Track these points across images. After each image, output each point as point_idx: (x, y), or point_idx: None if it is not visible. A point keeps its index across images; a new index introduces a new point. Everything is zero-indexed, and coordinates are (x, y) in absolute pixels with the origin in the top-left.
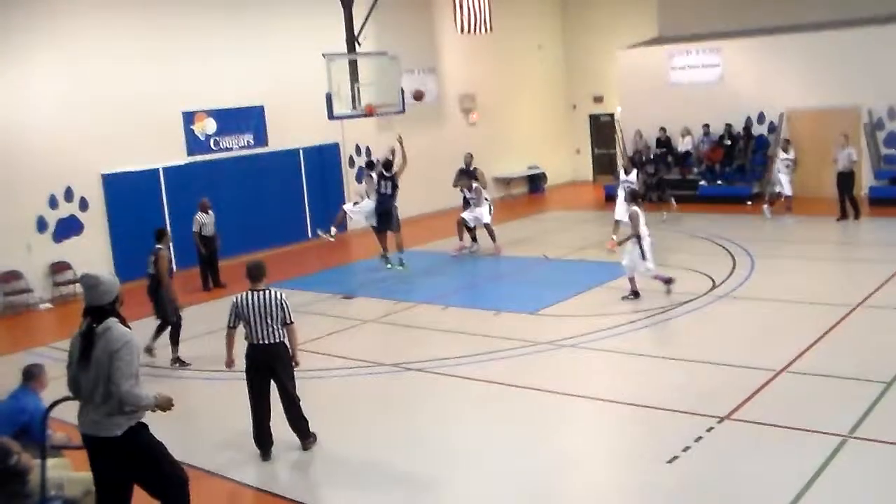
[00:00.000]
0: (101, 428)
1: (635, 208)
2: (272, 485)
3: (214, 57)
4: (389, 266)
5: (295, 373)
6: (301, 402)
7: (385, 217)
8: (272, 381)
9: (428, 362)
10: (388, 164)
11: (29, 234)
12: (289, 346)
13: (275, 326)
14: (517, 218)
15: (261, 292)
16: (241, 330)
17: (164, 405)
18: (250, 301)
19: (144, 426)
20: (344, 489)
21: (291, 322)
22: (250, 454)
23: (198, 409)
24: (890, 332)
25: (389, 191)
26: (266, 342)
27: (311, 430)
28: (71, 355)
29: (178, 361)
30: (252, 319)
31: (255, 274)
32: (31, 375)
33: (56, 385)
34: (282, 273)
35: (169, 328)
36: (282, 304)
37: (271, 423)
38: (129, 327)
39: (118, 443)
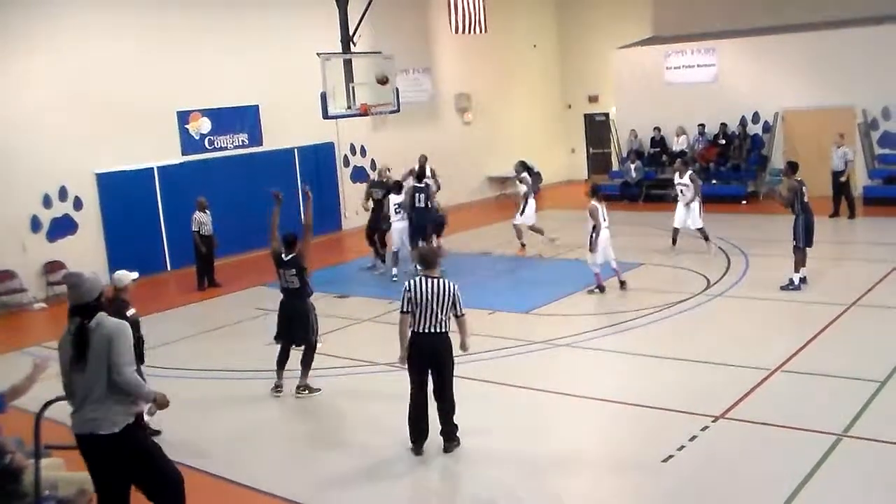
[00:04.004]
0: (98, 425)
1: (594, 203)
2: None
3: (209, 56)
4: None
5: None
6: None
7: (422, 231)
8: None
9: None
10: (421, 175)
11: (23, 234)
12: (457, 336)
13: (443, 316)
14: (511, 217)
15: (435, 279)
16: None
17: (162, 402)
18: (423, 287)
19: (140, 425)
20: (336, 490)
21: (462, 314)
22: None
23: (194, 409)
24: (884, 331)
25: (423, 203)
26: (432, 331)
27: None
28: (62, 359)
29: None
30: (422, 306)
31: (430, 260)
32: None
33: (47, 386)
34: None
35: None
36: (454, 294)
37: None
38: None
39: (117, 440)
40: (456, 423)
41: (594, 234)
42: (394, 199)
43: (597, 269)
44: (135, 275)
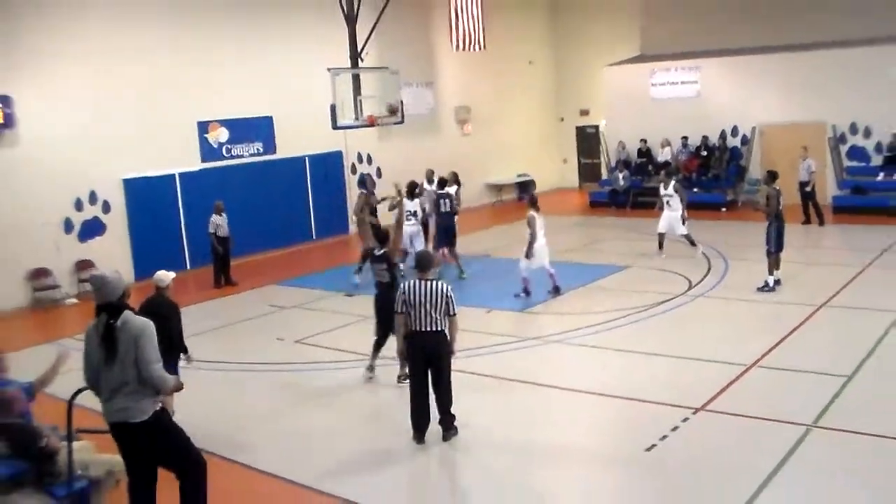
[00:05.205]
0: (130, 414)
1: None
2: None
3: (228, 70)
4: (465, 276)
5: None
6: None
7: (450, 232)
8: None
9: None
10: (442, 182)
11: (57, 235)
12: (448, 336)
13: (437, 316)
14: (507, 222)
15: (428, 282)
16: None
17: (178, 387)
18: (417, 289)
19: (165, 410)
20: (341, 474)
21: (454, 314)
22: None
23: (207, 398)
24: (850, 330)
25: (449, 208)
26: (427, 330)
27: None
28: (90, 356)
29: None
30: (416, 307)
31: (424, 264)
32: None
33: (75, 376)
34: (288, 271)
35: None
36: (447, 296)
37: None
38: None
39: (148, 425)
40: (453, 413)
41: (531, 242)
42: (408, 205)
43: (525, 274)
44: (173, 274)
